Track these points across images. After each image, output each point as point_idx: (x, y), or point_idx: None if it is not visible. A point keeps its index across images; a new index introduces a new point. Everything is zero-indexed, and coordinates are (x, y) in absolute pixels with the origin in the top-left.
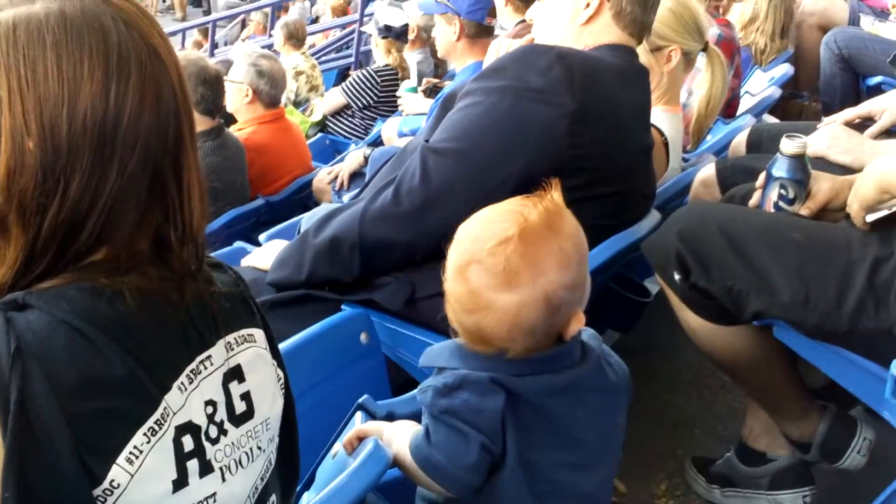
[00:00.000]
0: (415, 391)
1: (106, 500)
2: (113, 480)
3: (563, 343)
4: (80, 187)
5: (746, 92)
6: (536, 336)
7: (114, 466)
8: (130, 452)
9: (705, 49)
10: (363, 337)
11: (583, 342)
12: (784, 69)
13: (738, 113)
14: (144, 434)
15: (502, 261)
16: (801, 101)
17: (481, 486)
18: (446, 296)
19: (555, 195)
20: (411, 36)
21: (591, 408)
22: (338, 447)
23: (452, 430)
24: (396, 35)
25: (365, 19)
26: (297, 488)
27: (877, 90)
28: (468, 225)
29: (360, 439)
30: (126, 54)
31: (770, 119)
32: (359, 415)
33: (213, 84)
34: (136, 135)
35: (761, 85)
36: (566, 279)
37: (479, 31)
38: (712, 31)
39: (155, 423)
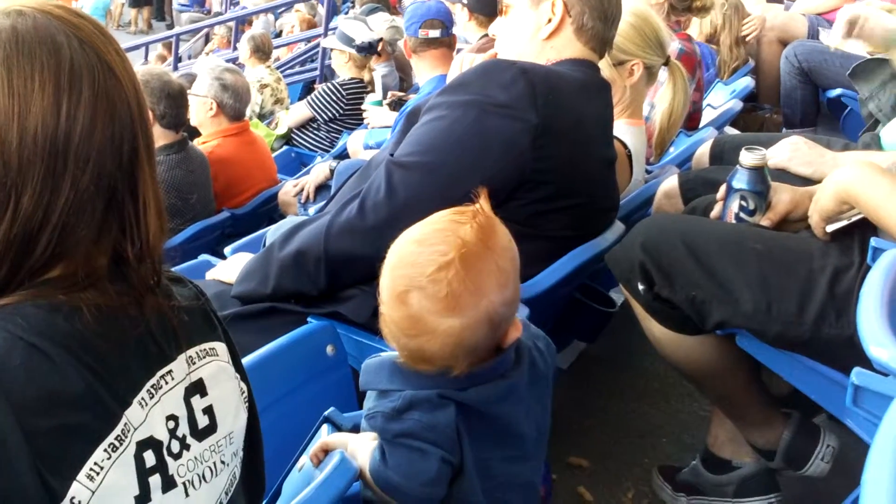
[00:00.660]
0: None
1: None
2: (73, 497)
3: (501, 352)
4: (33, 202)
5: (708, 105)
6: (479, 353)
7: (74, 483)
8: (91, 469)
9: (667, 63)
10: (329, 349)
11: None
12: (745, 82)
13: (701, 125)
14: (105, 450)
15: (444, 287)
16: (762, 114)
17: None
18: (383, 318)
19: (484, 206)
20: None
21: (528, 403)
22: (304, 460)
23: (409, 450)
24: (374, 50)
25: (329, 33)
26: (264, 502)
27: (836, 102)
28: (402, 248)
29: (326, 452)
30: (78, 70)
31: (732, 131)
32: (325, 427)
33: (176, 98)
34: (89, 150)
35: (723, 98)
36: (506, 296)
37: (422, 44)
38: (673, 46)
39: (115, 438)
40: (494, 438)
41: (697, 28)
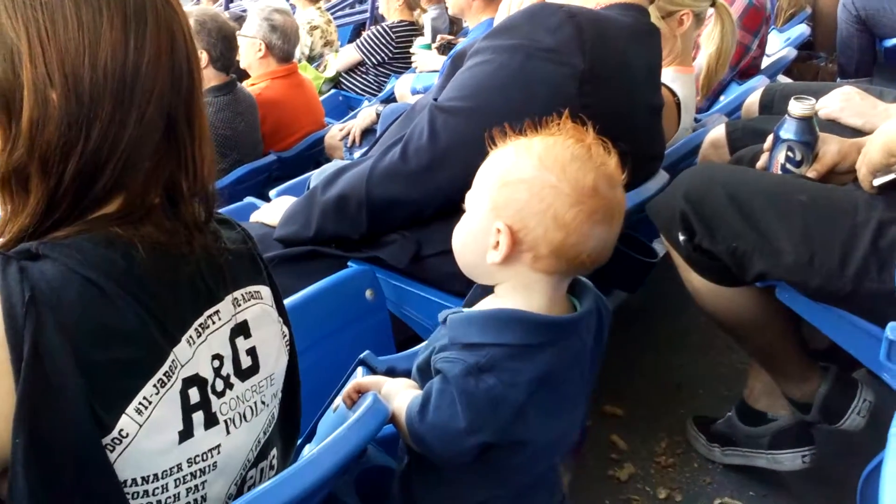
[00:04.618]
0: (416, 347)
1: (114, 448)
2: (122, 430)
3: (580, 296)
4: (101, 135)
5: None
6: (594, 231)
7: (123, 416)
8: (140, 403)
9: (713, 4)
10: (368, 294)
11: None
12: (800, 30)
13: None
14: (154, 385)
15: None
16: (817, 63)
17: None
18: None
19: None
20: None
21: (586, 369)
22: (339, 401)
23: (455, 415)
24: None
25: None
26: (299, 442)
27: (893, 52)
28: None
29: (359, 392)
30: (141, 2)
31: (785, 80)
32: (360, 370)
33: (230, 40)
34: (154, 81)
35: (777, 45)
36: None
37: None
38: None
39: (164, 374)
40: (562, 408)
41: None
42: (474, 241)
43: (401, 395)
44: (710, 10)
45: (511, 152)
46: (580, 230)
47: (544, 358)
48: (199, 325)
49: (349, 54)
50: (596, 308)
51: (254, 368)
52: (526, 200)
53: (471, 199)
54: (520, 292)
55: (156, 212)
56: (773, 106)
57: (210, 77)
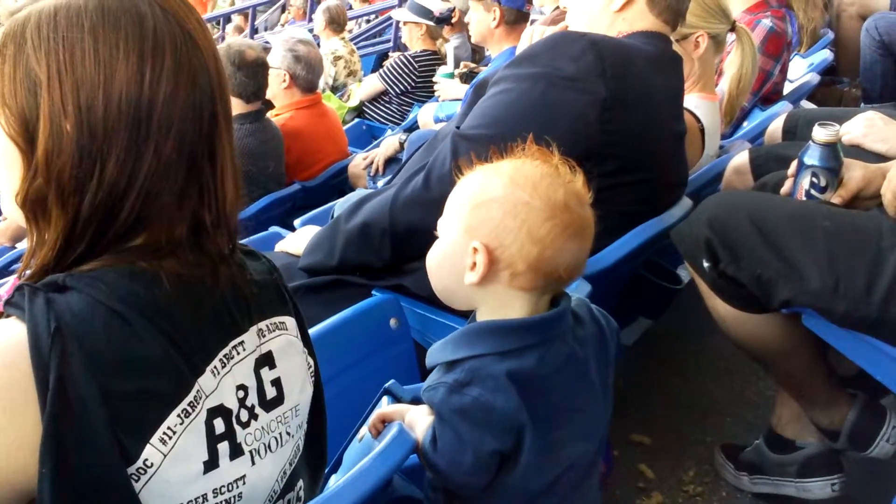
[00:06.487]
0: None
1: (139, 478)
2: (147, 460)
3: (557, 306)
4: (117, 168)
5: (786, 80)
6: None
7: (147, 446)
8: (164, 433)
9: (733, 28)
10: (393, 322)
11: (573, 310)
12: (823, 55)
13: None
14: (178, 415)
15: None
16: (840, 88)
17: (492, 480)
18: (517, 221)
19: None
20: (453, 20)
21: (591, 378)
22: (364, 431)
23: (457, 437)
24: (447, 21)
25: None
26: (325, 472)
27: None
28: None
29: (384, 422)
30: (161, 39)
31: (808, 105)
32: (385, 399)
33: (247, 69)
34: (171, 117)
35: (800, 71)
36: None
37: (518, 17)
38: (763, 24)
39: (188, 404)
40: (557, 416)
41: None
42: (450, 265)
43: (423, 422)
44: (732, 36)
45: (479, 175)
46: (555, 244)
47: (523, 362)
48: (224, 356)
49: (372, 84)
50: (591, 318)
51: (279, 399)
52: (500, 218)
53: (442, 226)
54: (498, 312)
55: (180, 245)
56: (796, 132)
57: (233, 106)
